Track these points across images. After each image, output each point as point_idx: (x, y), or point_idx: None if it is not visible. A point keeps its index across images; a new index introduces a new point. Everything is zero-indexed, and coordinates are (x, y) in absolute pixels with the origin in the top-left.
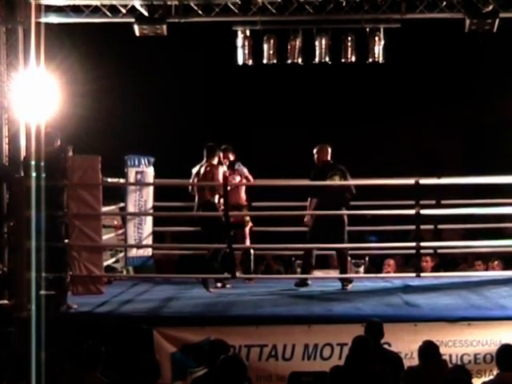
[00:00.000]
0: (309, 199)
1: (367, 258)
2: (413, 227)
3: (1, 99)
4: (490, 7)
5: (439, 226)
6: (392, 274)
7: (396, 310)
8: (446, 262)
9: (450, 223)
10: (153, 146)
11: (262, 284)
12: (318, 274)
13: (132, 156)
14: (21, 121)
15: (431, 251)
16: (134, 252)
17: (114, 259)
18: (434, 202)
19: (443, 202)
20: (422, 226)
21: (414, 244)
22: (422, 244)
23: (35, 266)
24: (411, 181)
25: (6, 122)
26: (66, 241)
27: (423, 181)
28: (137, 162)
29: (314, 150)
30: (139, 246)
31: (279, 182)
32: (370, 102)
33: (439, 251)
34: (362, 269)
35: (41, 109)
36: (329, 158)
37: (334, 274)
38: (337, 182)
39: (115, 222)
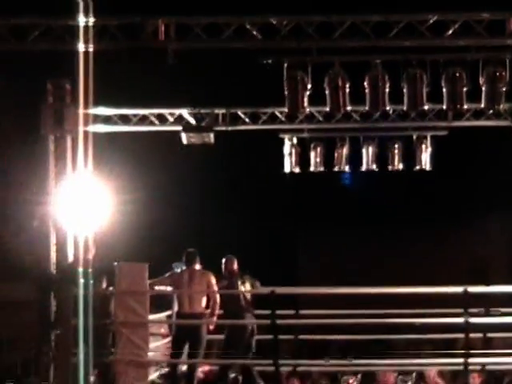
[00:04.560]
0: None
1: (414, 374)
2: (461, 336)
3: (49, 207)
4: None
5: (488, 335)
6: None
7: None
8: (495, 378)
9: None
10: (201, 253)
11: None
12: None
13: (179, 263)
14: (69, 229)
15: (479, 367)
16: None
17: (157, 373)
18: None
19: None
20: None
21: (461, 360)
22: (470, 360)
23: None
24: (460, 289)
25: (54, 230)
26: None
27: (472, 289)
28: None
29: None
30: (185, 363)
31: (322, 290)
32: (418, 209)
33: (488, 367)
34: None
35: (89, 217)
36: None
37: None
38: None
39: (162, 330)
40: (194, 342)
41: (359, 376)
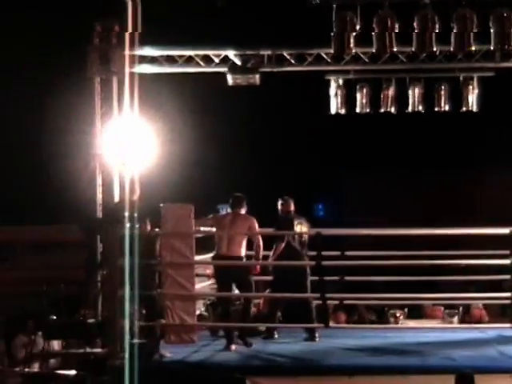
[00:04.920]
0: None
1: (461, 308)
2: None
3: (95, 149)
4: None
5: None
6: (487, 325)
7: (491, 360)
8: None
9: None
10: (246, 195)
11: (354, 334)
12: (411, 324)
13: (224, 205)
14: (115, 170)
15: None
16: None
17: (204, 307)
18: None
19: None
20: None
21: (509, 294)
22: None
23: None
24: (506, 230)
25: (100, 171)
26: (159, 290)
27: None
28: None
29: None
30: (231, 295)
31: (365, 232)
32: (462, 150)
33: None
34: (455, 319)
35: (135, 158)
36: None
37: (428, 324)
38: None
39: (208, 271)
40: (238, 283)
41: (406, 310)
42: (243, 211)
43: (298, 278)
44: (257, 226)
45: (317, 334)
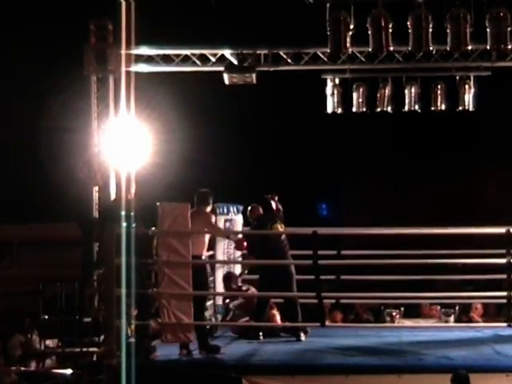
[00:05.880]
0: None
1: (457, 307)
2: (505, 276)
3: (91, 148)
4: None
5: None
6: (483, 324)
7: (487, 359)
8: None
9: None
10: (242, 194)
11: (351, 333)
12: (407, 323)
13: (221, 204)
14: (111, 169)
15: None
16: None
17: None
18: None
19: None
20: None
21: (505, 293)
22: None
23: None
24: (502, 230)
25: (97, 170)
26: (155, 289)
27: None
28: (226, 210)
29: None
30: (227, 294)
31: (361, 231)
32: (458, 149)
33: None
34: (451, 318)
35: (131, 156)
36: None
37: (424, 323)
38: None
39: None
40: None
41: (402, 309)
42: (208, 208)
43: (283, 278)
44: (212, 219)
45: (301, 334)
